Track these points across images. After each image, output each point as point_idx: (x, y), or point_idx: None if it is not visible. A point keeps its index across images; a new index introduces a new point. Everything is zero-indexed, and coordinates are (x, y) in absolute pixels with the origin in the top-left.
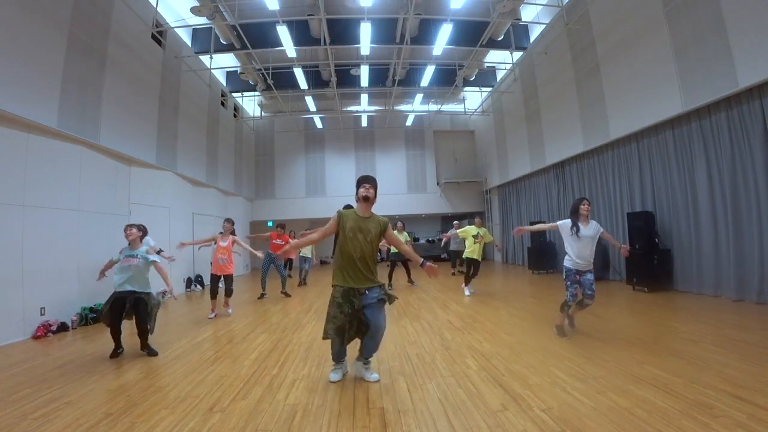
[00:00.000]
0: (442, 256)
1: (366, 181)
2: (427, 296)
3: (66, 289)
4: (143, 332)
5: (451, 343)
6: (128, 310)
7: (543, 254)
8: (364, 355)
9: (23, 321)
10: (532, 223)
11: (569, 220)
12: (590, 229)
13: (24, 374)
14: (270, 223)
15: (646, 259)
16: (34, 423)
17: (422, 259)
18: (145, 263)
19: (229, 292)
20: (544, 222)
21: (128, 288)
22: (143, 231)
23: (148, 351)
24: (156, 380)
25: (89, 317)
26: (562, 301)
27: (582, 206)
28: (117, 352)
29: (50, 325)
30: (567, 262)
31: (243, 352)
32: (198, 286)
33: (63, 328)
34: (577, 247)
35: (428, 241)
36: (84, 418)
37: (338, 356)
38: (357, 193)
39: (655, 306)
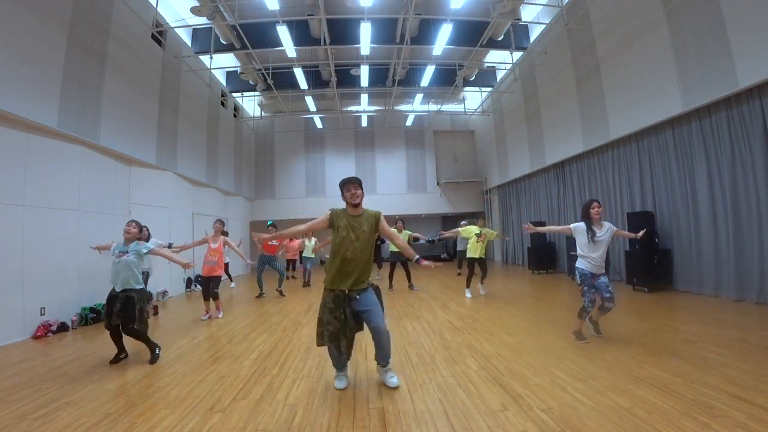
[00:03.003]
0: (442, 256)
1: (352, 184)
2: (427, 296)
3: (66, 289)
4: (133, 332)
5: (451, 343)
6: (119, 310)
7: (543, 254)
8: (380, 362)
9: (23, 321)
10: (535, 224)
11: (582, 224)
12: (604, 232)
13: (24, 374)
14: (270, 223)
15: (646, 259)
16: (34, 423)
17: (417, 256)
18: (138, 256)
19: (215, 296)
20: (545, 224)
21: (120, 287)
22: (143, 233)
23: (151, 357)
24: (156, 380)
25: (89, 317)
26: (579, 307)
27: (592, 209)
28: (119, 358)
29: (50, 325)
30: (582, 265)
31: (243, 352)
32: (198, 286)
33: (63, 328)
34: (592, 251)
35: (428, 241)
36: (84, 418)
37: (339, 365)
38: (343, 196)
39: (655, 306)
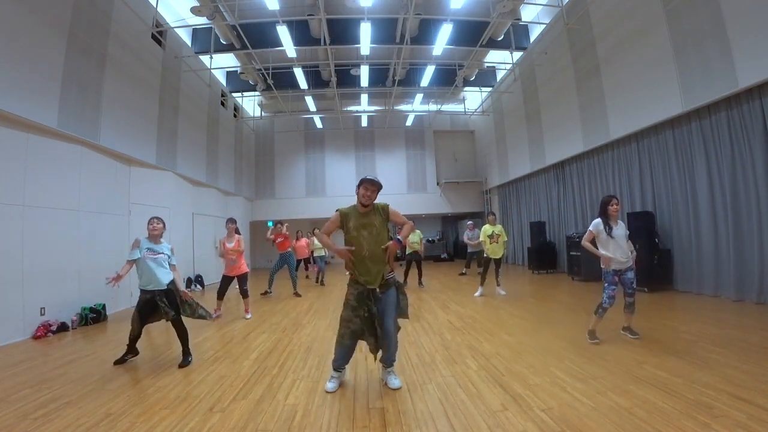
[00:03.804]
0: (442, 256)
1: (371, 185)
2: (427, 296)
3: (66, 289)
4: (183, 333)
5: (451, 343)
6: (162, 308)
7: (543, 254)
8: (385, 363)
9: (23, 321)
10: (536, 225)
11: (599, 221)
12: (621, 228)
13: (24, 374)
14: (270, 223)
15: (646, 259)
16: (34, 423)
17: (400, 238)
18: (170, 257)
19: (244, 293)
20: (545, 224)
21: (155, 285)
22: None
23: (183, 360)
24: (156, 380)
25: (89, 317)
26: (598, 303)
27: (611, 206)
28: (125, 359)
29: (50, 325)
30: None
31: (243, 352)
32: (198, 286)
33: (63, 328)
34: (611, 248)
35: (428, 241)
36: (84, 418)
37: (340, 364)
38: (357, 191)
39: (655, 306)
